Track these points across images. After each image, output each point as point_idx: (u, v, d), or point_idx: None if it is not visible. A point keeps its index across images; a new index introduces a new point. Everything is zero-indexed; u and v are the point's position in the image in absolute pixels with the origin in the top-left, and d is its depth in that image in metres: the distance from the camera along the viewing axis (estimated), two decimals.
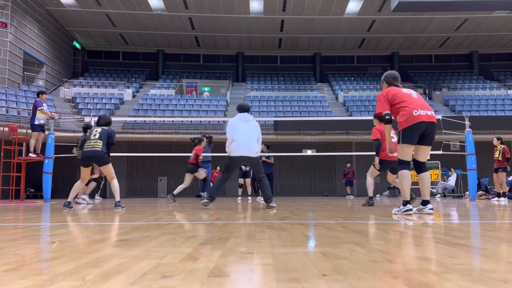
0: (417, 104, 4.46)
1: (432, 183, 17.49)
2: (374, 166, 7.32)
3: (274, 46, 29.78)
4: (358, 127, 19.67)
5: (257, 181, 6.82)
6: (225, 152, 6.58)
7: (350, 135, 20.54)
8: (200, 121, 20.83)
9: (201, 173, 9.73)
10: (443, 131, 11.72)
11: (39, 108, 10.08)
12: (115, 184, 6.78)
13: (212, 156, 11.82)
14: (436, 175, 17.88)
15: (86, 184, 9.66)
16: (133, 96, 25.38)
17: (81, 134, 10.02)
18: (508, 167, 11.13)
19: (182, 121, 20.54)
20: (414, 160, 4.60)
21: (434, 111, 4.72)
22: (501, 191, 11.12)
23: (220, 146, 20.94)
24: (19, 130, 11.83)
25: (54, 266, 1.49)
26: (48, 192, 11.12)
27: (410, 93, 4.61)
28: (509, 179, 13.31)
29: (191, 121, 20.74)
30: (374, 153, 7.42)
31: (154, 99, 24.17)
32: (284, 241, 2.15)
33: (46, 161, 11.02)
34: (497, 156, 11.03)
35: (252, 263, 1.51)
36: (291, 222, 3.43)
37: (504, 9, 21.58)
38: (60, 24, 26.10)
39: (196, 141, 9.99)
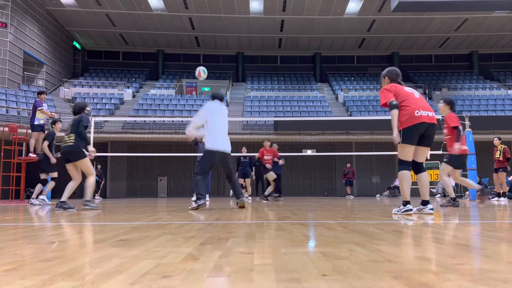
0: (419, 104, 4.43)
1: (432, 183, 17.49)
2: (446, 163, 6.79)
3: (274, 46, 29.78)
4: (358, 127, 19.68)
5: (227, 177, 6.35)
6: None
7: (350, 135, 20.54)
8: None
9: (271, 175, 11.24)
10: (443, 131, 11.71)
11: (39, 108, 10.09)
12: (90, 180, 6.36)
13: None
14: (436, 175, 17.87)
15: (44, 184, 9.42)
16: (133, 96, 25.39)
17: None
18: (508, 167, 11.13)
19: (182, 121, 20.53)
20: (413, 161, 4.58)
21: (435, 111, 4.73)
22: (501, 191, 11.12)
23: None
24: (19, 130, 11.83)
25: (54, 266, 1.49)
26: (48, 192, 11.10)
27: (413, 92, 4.58)
28: (509, 179, 13.31)
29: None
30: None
31: (154, 99, 24.17)
32: (284, 241, 2.15)
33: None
34: (498, 156, 11.03)
35: (252, 263, 1.51)
36: (291, 222, 3.43)
37: (504, 9, 21.57)
38: (60, 24, 26.11)
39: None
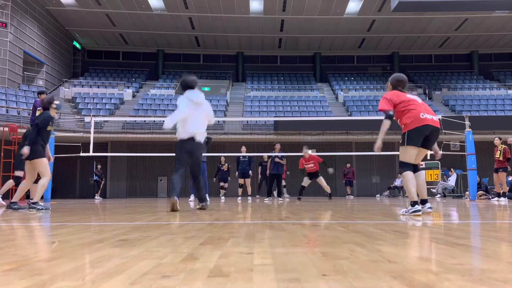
0: (423, 108, 4.53)
1: (432, 183, 17.50)
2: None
3: (274, 46, 29.77)
4: (358, 127, 19.67)
5: (191, 173, 5.85)
6: (222, 152, 6.40)
7: (350, 135, 20.54)
8: None
9: (320, 179, 12.25)
10: (443, 131, 11.71)
11: (38, 108, 10.08)
12: (42, 182, 6.01)
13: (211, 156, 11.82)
14: (436, 175, 17.87)
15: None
16: (133, 96, 25.38)
17: (80, 135, 10.01)
18: (508, 167, 11.13)
19: None
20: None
21: (435, 111, 4.76)
22: (501, 191, 11.12)
23: (221, 146, 20.97)
24: (19, 130, 11.83)
25: (54, 266, 1.49)
26: (48, 192, 11.11)
27: (416, 98, 4.67)
28: (509, 179, 13.31)
29: None
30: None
31: (154, 99, 24.17)
32: (284, 241, 2.15)
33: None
34: (498, 156, 11.03)
35: (252, 263, 1.51)
36: (291, 222, 3.43)
37: (504, 9, 21.58)
38: (60, 24, 26.10)
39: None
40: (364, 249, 1.85)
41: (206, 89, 26.53)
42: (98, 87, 25.27)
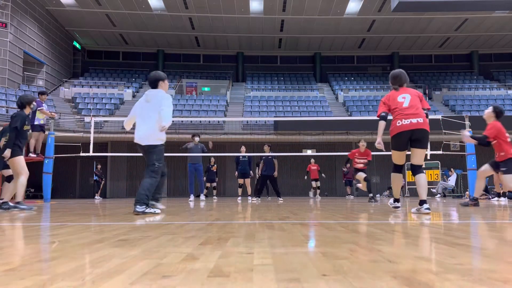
0: (404, 113, 4.74)
1: (432, 183, 17.49)
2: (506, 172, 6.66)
3: (274, 46, 29.77)
4: (358, 127, 19.67)
5: (145, 176, 5.47)
6: (222, 152, 6.41)
7: (350, 135, 20.53)
8: (200, 121, 20.82)
9: (360, 175, 11.43)
10: (443, 131, 11.73)
11: (38, 109, 10.09)
12: (21, 181, 6.02)
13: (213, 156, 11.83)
14: (436, 175, 17.87)
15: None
16: (133, 96, 25.36)
17: (80, 135, 10.00)
18: None
19: (182, 121, 20.53)
20: (410, 164, 4.97)
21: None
22: (501, 191, 11.11)
23: (221, 146, 20.96)
24: None
25: (54, 266, 1.49)
26: (48, 192, 11.12)
27: (402, 102, 4.84)
28: None
29: (191, 121, 20.73)
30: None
31: None
32: (284, 241, 2.15)
33: (46, 161, 11.03)
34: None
35: (252, 263, 1.51)
36: (291, 222, 3.43)
37: (504, 9, 21.58)
38: (60, 24, 26.10)
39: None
40: (364, 249, 1.85)
41: (206, 89, 26.54)
42: (98, 87, 25.27)
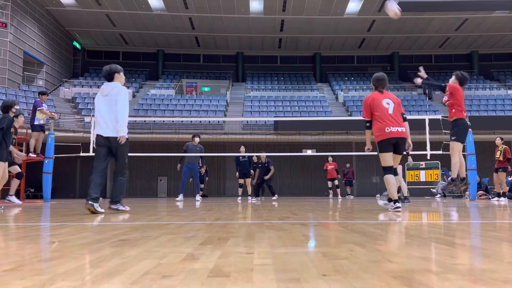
0: (389, 120, 5.20)
1: (432, 183, 17.50)
2: (456, 140, 6.55)
3: (274, 46, 29.77)
4: (358, 127, 19.64)
5: (115, 173, 5.43)
6: (222, 152, 6.41)
7: (350, 135, 20.53)
8: (200, 121, 20.83)
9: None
10: (443, 131, 11.72)
11: (38, 109, 10.09)
12: None
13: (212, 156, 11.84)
14: (436, 175, 17.87)
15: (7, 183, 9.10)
16: (133, 96, 25.37)
17: (80, 135, 9.99)
18: (509, 167, 11.12)
19: (182, 121, 20.53)
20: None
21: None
22: (501, 191, 11.12)
23: (221, 146, 20.97)
24: (19, 130, 11.83)
25: (54, 266, 1.49)
26: (48, 192, 11.11)
27: (387, 108, 5.27)
28: (509, 179, 13.31)
29: (191, 121, 20.74)
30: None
31: (154, 99, 24.17)
32: (284, 241, 2.15)
33: (46, 161, 11.02)
34: (498, 156, 11.03)
35: (252, 263, 1.51)
36: (291, 222, 3.43)
37: (504, 9, 21.59)
38: (60, 24, 26.10)
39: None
40: (364, 249, 1.85)
41: (206, 89, 26.54)
42: (98, 87, 25.18)
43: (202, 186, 15.39)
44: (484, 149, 19.57)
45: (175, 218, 4.16)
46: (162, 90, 26.09)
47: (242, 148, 12.75)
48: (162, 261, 1.55)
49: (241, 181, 12.67)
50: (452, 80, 6.66)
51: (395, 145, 5.28)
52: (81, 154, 11.21)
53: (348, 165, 18.95)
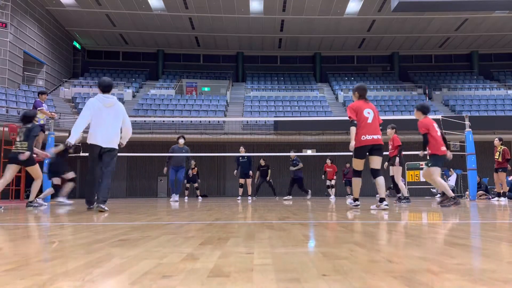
0: (367, 129, 5.72)
1: (429, 184, 17.47)
2: (434, 165, 6.70)
3: (274, 46, 29.77)
4: None
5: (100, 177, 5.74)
6: (222, 152, 6.46)
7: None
8: (200, 121, 20.82)
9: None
10: (443, 131, 11.71)
11: (38, 109, 10.08)
12: (36, 183, 7.16)
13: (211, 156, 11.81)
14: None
15: (62, 185, 9.30)
16: (133, 96, 25.38)
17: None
18: (509, 166, 11.12)
19: (182, 121, 20.53)
20: (371, 168, 5.94)
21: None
22: (501, 191, 11.11)
23: (221, 146, 20.98)
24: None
25: (54, 266, 1.49)
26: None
27: (367, 117, 5.75)
28: (509, 179, 13.31)
29: (191, 121, 20.73)
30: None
31: (154, 99, 24.16)
32: (284, 241, 2.15)
33: (46, 161, 11.01)
34: (497, 157, 11.03)
35: (252, 263, 1.51)
36: (291, 222, 3.43)
37: (504, 9, 21.56)
38: (60, 24, 26.10)
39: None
40: (364, 249, 1.85)
41: (206, 89, 26.54)
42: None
43: (196, 185, 15.42)
44: (484, 149, 19.57)
45: (175, 218, 4.16)
46: (162, 90, 26.09)
47: (242, 149, 12.75)
48: (162, 261, 1.55)
49: (241, 181, 12.68)
50: (416, 115, 6.99)
51: (370, 150, 5.82)
52: (81, 154, 11.21)
53: (348, 165, 18.92)
